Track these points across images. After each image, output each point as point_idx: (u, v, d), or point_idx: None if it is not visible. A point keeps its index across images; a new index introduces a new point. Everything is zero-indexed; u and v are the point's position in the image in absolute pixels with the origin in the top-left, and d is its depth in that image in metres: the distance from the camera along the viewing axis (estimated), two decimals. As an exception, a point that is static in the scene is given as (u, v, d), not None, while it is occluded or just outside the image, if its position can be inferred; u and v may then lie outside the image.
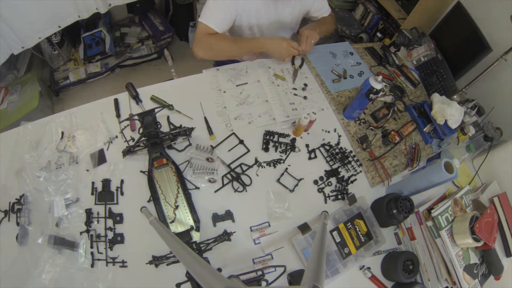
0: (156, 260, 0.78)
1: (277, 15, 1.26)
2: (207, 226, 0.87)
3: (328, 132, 1.15)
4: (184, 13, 2.40)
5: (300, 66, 1.30)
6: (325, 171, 1.06)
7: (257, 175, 0.99)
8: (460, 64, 1.44)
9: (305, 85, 1.24)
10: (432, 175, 0.93)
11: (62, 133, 0.94)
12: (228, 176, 0.96)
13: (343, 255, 0.91)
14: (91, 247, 0.80)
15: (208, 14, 1.12)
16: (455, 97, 1.33)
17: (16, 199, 0.83)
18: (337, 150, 1.10)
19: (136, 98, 1.04)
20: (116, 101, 1.03)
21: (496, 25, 1.34)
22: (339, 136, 1.15)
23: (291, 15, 1.30)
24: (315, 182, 1.03)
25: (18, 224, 0.80)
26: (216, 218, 0.88)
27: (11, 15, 1.36)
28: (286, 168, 1.02)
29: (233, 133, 1.05)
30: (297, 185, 0.99)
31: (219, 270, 0.82)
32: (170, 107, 1.04)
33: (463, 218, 0.93)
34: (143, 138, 0.88)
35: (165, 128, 1.00)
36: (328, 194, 1.01)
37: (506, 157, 1.23)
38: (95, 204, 0.85)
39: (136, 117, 0.92)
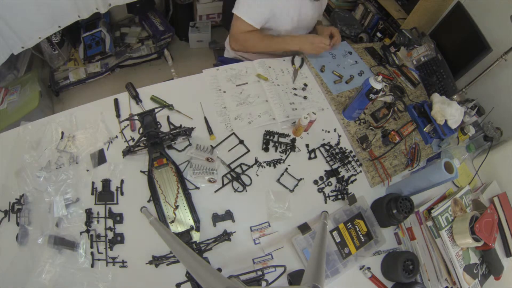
0: (156, 260, 0.78)
1: (307, 14, 1.27)
2: (207, 226, 0.87)
3: (328, 132, 1.15)
4: (184, 13, 2.40)
5: (300, 66, 1.30)
6: (325, 171, 1.06)
7: (257, 175, 0.99)
8: (460, 64, 1.44)
9: (305, 85, 1.24)
10: (432, 175, 0.93)
11: (62, 133, 0.94)
12: (228, 176, 0.96)
13: (343, 255, 0.91)
14: (91, 247, 0.80)
15: (246, 9, 1.14)
16: (455, 97, 1.33)
17: (16, 199, 0.82)
18: (337, 150, 1.10)
19: (136, 98, 1.04)
20: (116, 101, 1.03)
21: (496, 25, 1.34)
22: (339, 136, 1.15)
23: (317, 13, 1.34)
24: (315, 182, 1.03)
25: (18, 224, 0.79)
26: (216, 218, 0.88)
27: (11, 15, 1.35)
28: (286, 168, 1.02)
29: (233, 133, 1.05)
30: (297, 185, 0.99)
31: (219, 270, 0.82)
32: (170, 107, 1.04)
33: (463, 218, 0.93)
34: (143, 138, 0.88)
35: (165, 128, 1.00)
36: (328, 194, 1.01)
37: (506, 157, 1.23)
38: (95, 204, 0.85)
39: (136, 117, 0.92)
